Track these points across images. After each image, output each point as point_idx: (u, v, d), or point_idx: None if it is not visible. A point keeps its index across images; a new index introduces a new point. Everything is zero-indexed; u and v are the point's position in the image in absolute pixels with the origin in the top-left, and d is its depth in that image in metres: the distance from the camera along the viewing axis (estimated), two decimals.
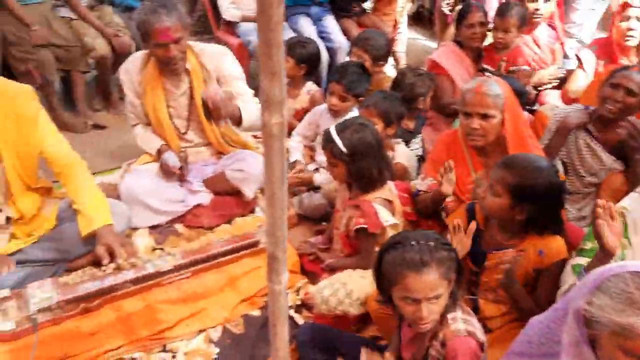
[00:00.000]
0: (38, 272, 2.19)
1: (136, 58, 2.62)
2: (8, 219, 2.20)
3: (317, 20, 3.95)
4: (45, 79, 3.41)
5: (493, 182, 1.77)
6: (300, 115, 3.13)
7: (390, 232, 2.05)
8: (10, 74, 3.35)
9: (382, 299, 1.55)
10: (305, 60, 3.17)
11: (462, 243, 1.81)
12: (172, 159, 2.58)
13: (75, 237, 2.23)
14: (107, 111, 3.92)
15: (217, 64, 2.60)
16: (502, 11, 3.21)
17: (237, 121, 2.49)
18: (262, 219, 2.54)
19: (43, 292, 1.88)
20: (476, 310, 1.82)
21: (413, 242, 1.41)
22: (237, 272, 2.16)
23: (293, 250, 2.31)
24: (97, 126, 3.69)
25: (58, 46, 3.48)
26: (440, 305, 1.44)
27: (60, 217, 2.31)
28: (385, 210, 2.05)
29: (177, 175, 2.63)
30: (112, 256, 2.11)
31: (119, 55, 3.71)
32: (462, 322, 1.45)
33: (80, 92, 3.71)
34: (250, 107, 2.53)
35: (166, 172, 2.61)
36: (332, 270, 2.15)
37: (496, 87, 2.14)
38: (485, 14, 3.26)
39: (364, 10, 4.17)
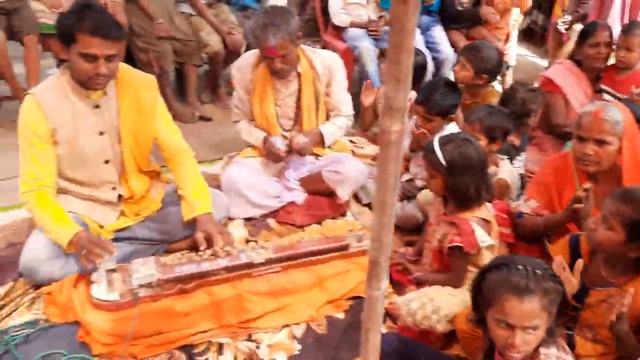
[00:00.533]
0: (141, 249, 2.34)
1: (249, 56, 2.73)
2: (120, 197, 2.35)
3: (425, 30, 3.92)
4: (162, 70, 3.63)
5: (607, 214, 1.66)
6: None
7: (485, 253, 1.99)
8: (132, 63, 3.60)
9: (474, 319, 1.51)
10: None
11: (569, 282, 1.72)
12: (279, 142, 2.67)
13: (178, 221, 2.35)
14: (214, 104, 4.11)
15: (328, 69, 2.69)
16: (628, 29, 3.04)
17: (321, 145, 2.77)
18: (353, 223, 2.55)
19: (146, 269, 2.00)
20: (571, 346, 1.72)
21: (520, 266, 1.36)
22: (326, 273, 2.18)
23: None
24: (203, 118, 3.88)
25: (177, 40, 3.70)
26: (536, 337, 1.37)
27: (165, 200, 2.45)
28: (482, 230, 2.00)
29: (282, 158, 2.70)
30: (209, 243, 2.21)
31: (231, 52, 3.89)
32: None
33: (191, 84, 3.91)
34: (337, 122, 2.77)
35: (272, 155, 2.69)
36: (420, 283, 2.12)
37: (616, 113, 2.01)
38: (611, 33, 3.09)
39: (475, 23, 4.07)
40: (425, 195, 2.49)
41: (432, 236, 2.14)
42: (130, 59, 3.66)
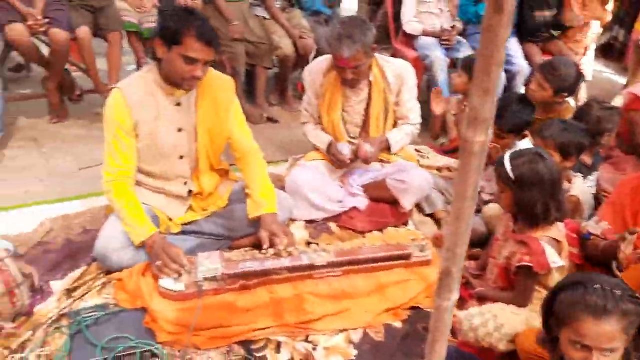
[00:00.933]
0: (206, 244, 2.40)
1: (322, 61, 2.76)
2: (190, 192, 2.44)
3: None
4: (234, 71, 3.73)
5: None
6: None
7: (555, 275, 1.93)
8: None
9: (545, 339, 1.46)
10: None
11: None
12: (346, 148, 2.69)
13: (243, 218, 2.41)
14: (282, 107, 4.18)
15: (400, 78, 2.69)
16: None
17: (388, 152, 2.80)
18: (415, 233, 2.53)
19: (211, 263, 2.06)
20: None
21: (597, 286, 1.31)
22: (387, 280, 2.17)
23: None
24: (271, 119, 3.95)
25: (250, 42, 3.79)
26: None
27: (232, 198, 2.51)
28: (553, 250, 1.93)
29: (347, 165, 2.73)
30: (272, 242, 2.25)
31: (301, 57, 3.95)
32: None
33: (261, 86, 4.00)
34: (404, 129, 2.78)
35: (338, 161, 2.71)
36: (482, 299, 2.08)
37: None
38: None
39: (552, 36, 3.96)
40: (492, 209, 2.44)
41: (498, 252, 2.09)
42: None
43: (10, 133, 3.46)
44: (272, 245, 2.23)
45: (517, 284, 2.00)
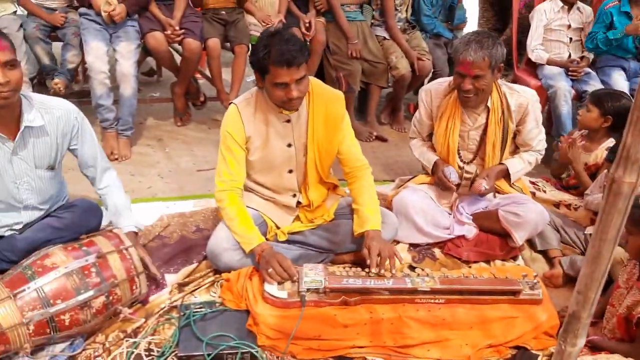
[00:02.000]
0: (309, 255, 2.45)
1: (441, 82, 2.73)
2: (298, 203, 2.50)
3: (632, 77, 3.60)
4: (349, 88, 3.79)
5: None
6: (590, 170, 2.89)
7: None
8: (321, 77, 3.81)
9: None
10: (612, 112, 2.89)
11: None
12: (454, 174, 2.63)
13: (347, 233, 2.42)
14: (391, 126, 4.18)
15: (523, 106, 2.60)
16: None
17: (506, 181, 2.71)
18: (527, 269, 2.40)
19: (315, 275, 2.09)
20: None
21: None
22: (491, 315, 2.08)
23: (554, 312, 2.14)
24: (379, 138, 3.96)
25: (367, 61, 3.84)
26: None
27: (337, 212, 2.53)
28: None
29: (452, 190, 2.67)
30: (372, 259, 2.20)
31: (417, 78, 3.94)
32: None
33: (373, 104, 4.03)
34: (526, 158, 2.69)
35: (443, 184, 2.66)
36: (596, 349, 1.94)
37: None
38: None
39: None
40: (614, 253, 2.27)
41: (618, 301, 1.95)
42: (321, 73, 3.88)
43: (139, 131, 3.75)
44: (372, 262, 2.22)
45: (638, 336, 1.85)
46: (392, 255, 2.22)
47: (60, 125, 2.10)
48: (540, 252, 2.67)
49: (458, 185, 2.66)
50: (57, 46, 4.31)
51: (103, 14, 3.33)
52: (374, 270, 2.17)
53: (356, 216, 2.40)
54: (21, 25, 3.48)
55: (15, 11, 3.53)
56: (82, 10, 3.48)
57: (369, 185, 2.45)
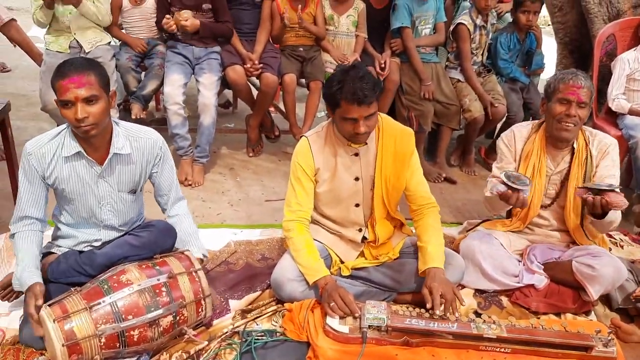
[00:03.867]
0: (372, 292, 2.42)
1: (524, 126, 2.67)
2: (364, 238, 2.50)
3: None
4: (420, 128, 3.80)
5: None
6: None
7: None
8: (393, 114, 3.84)
9: None
10: None
11: None
12: (501, 187, 2.46)
13: (411, 273, 2.39)
14: (461, 169, 4.13)
15: (604, 151, 2.53)
16: None
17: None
18: (601, 325, 2.28)
19: (378, 312, 2.07)
20: None
21: None
22: None
23: None
24: (448, 179, 3.92)
25: (439, 102, 3.84)
26: None
27: (403, 251, 2.51)
28: None
29: (523, 201, 2.48)
30: (434, 299, 2.15)
31: (490, 121, 3.90)
32: None
33: (443, 146, 4.00)
34: None
35: (509, 197, 2.46)
36: None
37: None
38: None
39: None
40: None
41: None
42: (392, 112, 3.91)
43: (212, 159, 3.90)
44: (436, 304, 2.16)
45: None
46: (454, 298, 2.18)
47: (146, 153, 2.22)
48: (615, 310, 2.52)
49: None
50: None
51: (176, 22, 3.50)
52: (437, 312, 2.13)
53: (420, 254, 2.37)
54: (114, 55, 3.73)
55: (110, 42, 3.79)
56: (170, 42, 3.70)
57: (434, 223, 2.43)
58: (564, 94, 2.42)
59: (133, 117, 3.58)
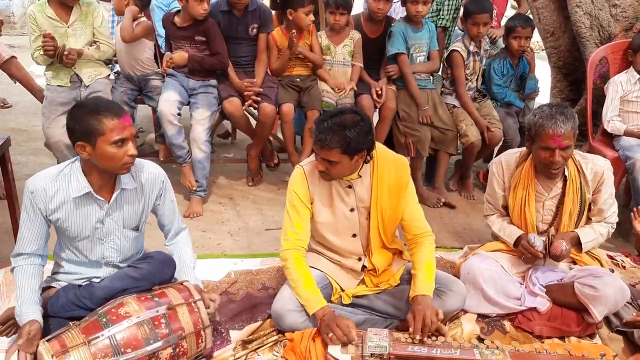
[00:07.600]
0: (374, 320, 2.42)
1: (511, 154, 2.71)
2: (363, 267, 2.50)
3: None
4: (418, 154, 3.82)
5: None
6: None
7: None
8: (390, 143, 3.87)
9: None
10: None
11: None
12: (538, 240, 2.54)
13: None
14: (459, 194, 4.14)
15: (599, 175, 2.55)
16: None
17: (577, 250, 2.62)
18: (606, 348, 2.26)
19: (380, 340, 2.06)
20: None
21: None
22: None
23: None
24: (447, 204, 3.92)
25: (436, 127, 3.87)
26: None
27: (403, 278, 2.51)
28: None
29: (539, 258, 2.57)
30: (416, 326, 2.15)
31: (487, 146, 3.93)
32: None
33: (441, 171, 4.02)
34: (597, 228, 2.61)
35: (529, 254, 2.55)
36: None
37: None
38: None
39: None
40: None
41: None
42: (389, 139, 3.94)
43: (211, 189, 3.91)
44: (417, 327, 2.15)
45: None
46: (435, 321, 2.17)
47: (148, 186, 2.24)
48: (618, 332, 2.50)
49: (545, 255, 2.55)
50: (140, 109, 4.65)
51: (166, 59, 3.68)
52: (441, 338, 2.13)
53: (413, 282, 2.36)
54: (112, 88, 3.78)
55: (109, 75, 3.84)
56: (170, 71, 3.73)
57: (428, 251, 2.42)
58: (546, 143, 2.43)
59: (162, 159, 3.87)
